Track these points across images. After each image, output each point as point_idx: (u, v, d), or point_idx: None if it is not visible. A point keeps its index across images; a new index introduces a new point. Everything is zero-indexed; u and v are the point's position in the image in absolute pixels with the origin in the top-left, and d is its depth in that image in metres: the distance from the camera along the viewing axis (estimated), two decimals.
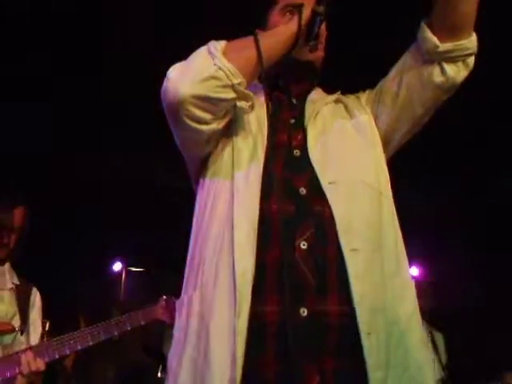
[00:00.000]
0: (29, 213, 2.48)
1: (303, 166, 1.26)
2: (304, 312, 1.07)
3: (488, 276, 4.78)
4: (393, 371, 1.06)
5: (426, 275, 4.87)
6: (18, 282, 2.45)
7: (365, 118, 1.40)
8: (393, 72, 1.39)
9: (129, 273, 6.12)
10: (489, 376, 3.63)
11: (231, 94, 1.15)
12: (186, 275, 1.23)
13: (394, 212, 1.27)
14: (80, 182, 4.45)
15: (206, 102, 1.13)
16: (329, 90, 1.52)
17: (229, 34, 1.27)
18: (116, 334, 2.36)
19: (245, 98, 1.20)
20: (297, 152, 1.29)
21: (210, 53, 1.15)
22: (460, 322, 4.38)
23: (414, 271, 4.84)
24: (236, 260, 1.08)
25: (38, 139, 4.07)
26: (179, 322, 1.16)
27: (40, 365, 2.11)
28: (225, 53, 1.15)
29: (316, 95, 1.46)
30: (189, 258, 1.25)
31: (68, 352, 2.24)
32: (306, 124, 1.34)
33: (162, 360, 3.97)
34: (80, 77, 3.66)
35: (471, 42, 1.27)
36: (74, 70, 3.64)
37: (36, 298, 2.49)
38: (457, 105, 1.49)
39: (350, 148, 1.32)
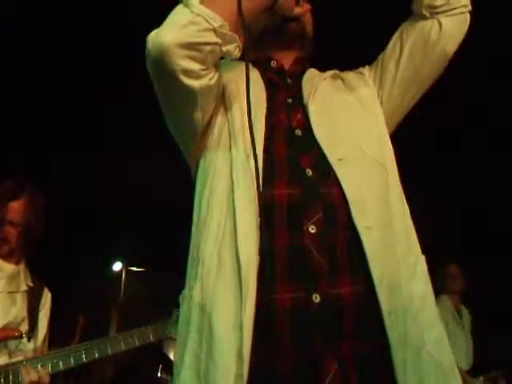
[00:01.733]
0: (35, 207, 2.34)
1: (308, 146, 1.21)
2: (317, 298, 1.03)
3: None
4: (410, 349, 1.05)
5: None
6: (31, 284, 2.35)
7: (366, 91, 1.38)
8: (392, 40, 1.38)
9: (129, 273, 6.15)
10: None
11: (214, 38, 1.12)
12: (188, 268, 1.20)
13: (400, 186, 1.25)
14: (80, 182, 4.44)
15: (190, 48, 1.10)
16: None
17: None
18: (124, 349, 2.24)
19: (230, 40, 1.15)
20: (298, 132, 1.24)
21: (186, 5, 1.13)
22: None
23: None
24: (240, 247, 1.05)
25: (37, 138, 4.07)
26: (182, 317, 1.12)
27: (44, 376, 2.03)
28: (202, 1, 1.12)
29: (312, 73, 1.43)
30: (190, 248, 1.22)
31: (73, 363, 2.14)
32: (305, 102, 1.30)
33: (161, 359, 3.97)
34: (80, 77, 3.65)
35: None
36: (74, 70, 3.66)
37: (46, 299, 2.39)
38: None
39: (354, 122, 1.29)
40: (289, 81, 1.37)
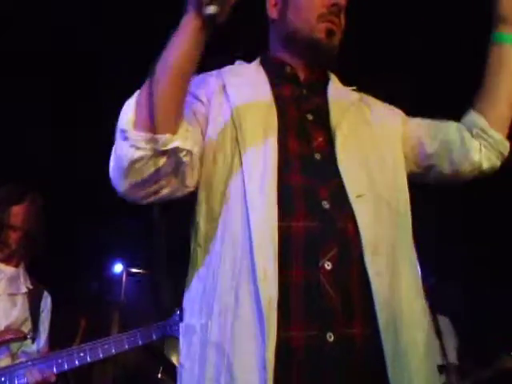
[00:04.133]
0: (36, 211, 2.41)
1: (327, 174, 1.17)
2: (331, 337, 1.03)
3: None
4: None
5: None
6: (31, 287, 2.41)
7: (393, 133, 1.34)
8: (438, 128, 1.36)
9: (130, 274, 6.15)
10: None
11: (161, 160, 1.05)
12: (190, 295, 1.15)
13: (411, 233, 1.23)
14: (80, 182, 4.42)
15: (145, 183, 1.07)
16: (343, 80, 1.43)
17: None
18: (127, 348, 2.29)
19: (177, 151, 1.08)
20: (318, 155, 1.19)
21: (121, 131, 1.05)
22: None
23: None
24: (260, 287, 1.01)
25: (37, 139, 4.03)
26: (189, 351, 1.08)
27: (49, 376, 2.08)
28: (136, 123, 1.03)
29: (336, 89, 1.35)
30: (195, 277, 1.16)
31: (77, 363, 2.19)
32: (333, 124, 1.23)
33: (162, 361, 3.93)
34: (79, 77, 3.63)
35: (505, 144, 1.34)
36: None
37: (47, 302, 2.45)
38: None
39: (376, 159, 1.24)
40: (304, 92, 1.31)
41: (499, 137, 1.31)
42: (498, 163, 1.34)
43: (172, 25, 1.06)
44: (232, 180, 1.13)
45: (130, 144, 1.03)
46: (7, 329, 2.21)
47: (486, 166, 1.32)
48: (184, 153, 1.08)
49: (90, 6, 3.30)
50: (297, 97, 1.29)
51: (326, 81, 1.37)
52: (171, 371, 3.87)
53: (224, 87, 1.24)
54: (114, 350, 2.25)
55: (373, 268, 1.07)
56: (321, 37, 1.28)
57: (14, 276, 2.36)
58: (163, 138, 1.03)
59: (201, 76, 1.29)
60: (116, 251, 5.79)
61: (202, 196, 1.19)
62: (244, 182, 1.10)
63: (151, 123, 1.01)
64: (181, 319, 1.20)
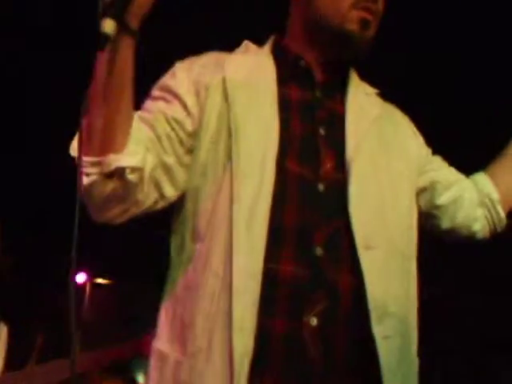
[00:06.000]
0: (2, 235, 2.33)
1: (328, 211, 1.05)
2: None
3: None
4: None
5: None
6: None
7: (413, 160, 1.23)
8: (448, 181, 1.29)
9: (94, 286, 6.00)
10: None
11: (110, 184, 0.99)
12: (166, 316, 1.09)
13: (416, 276, 1.15)
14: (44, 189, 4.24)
15: (107, 205, 1.02)
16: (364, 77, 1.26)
17: None
18: (96, 367, 2.33)
19: (123, 171, 1.00)
20: (321, 187, 1.06)
21: (72, 158, 0.98)
22: None
23: None
24: (234, 339, 0.96)
25: None
26: (160, 380, 1.04)
27: None
28: (79, 151, 0.95)
29: (356, 96, 1.20)
30: (173, 300, 1.09)
31: None
32: (349, 149, 1.10)
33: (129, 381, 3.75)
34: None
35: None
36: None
37: (2, 333, 2.35)
38: None
39: (391, 198, 1.13)
40: (318, 94, 1.15)
41: (503, 215, 1.29)
42: (488, 236, 1.32)
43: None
44: (220, 201, 1.06)
45: (86, 173, 0.99)
46: None
47: (479, 236, 1.30)
48: (128, 171, 1.00)
49: None
50: (307, 102, 1.15)
51: (345, 82, 1.21)
52: None
53: (224, 82, 1.11)
54: (67, 375, 2.12)
55: (380, 332, 1.00)
56: (353, 28, 1.12)
57: None
58: (106, 159, 0.98)
59: (194, 63, 1.15)
60: (79, 260, 5.53)
61: (187, 208, 1.11)
62: (232, 210, 1.02)
63: (93, 145, 0.99)
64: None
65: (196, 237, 1.07)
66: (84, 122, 0.98)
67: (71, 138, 1.03)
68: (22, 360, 2.46)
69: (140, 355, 2.37)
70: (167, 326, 1.08)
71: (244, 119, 1.08)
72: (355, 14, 1.12)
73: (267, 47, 1.23)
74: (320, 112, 1.14)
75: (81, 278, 5.78)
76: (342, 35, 1.14)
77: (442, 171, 1.31)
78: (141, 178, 1.03)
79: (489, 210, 1.30)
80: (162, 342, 1.07)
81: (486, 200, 1.30)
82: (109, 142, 1.00)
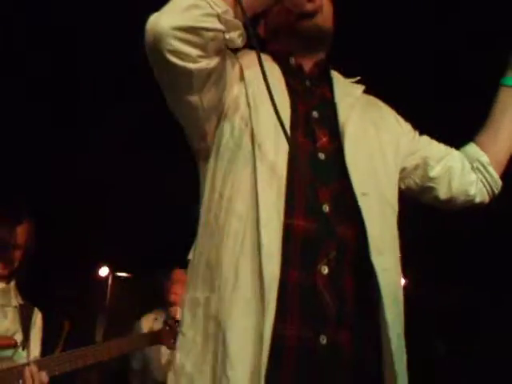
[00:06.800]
0: (33, 229, 2.47)
1: (330, 174, 1.16)
2: (323, 340, 1.04)
3: None
4: None
5: None
6: (21, 302, 2.45)
7: (395, 138, 1.34)
8: (438, 154, 1.39)
9: (115, 278, 6.08)
10: None
11: (217, 24, 1.06)
12: (194, 270, 1.16)
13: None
14: (65, 184, 4.36)
15: (189, 33, 1.04)
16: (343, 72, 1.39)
17: None
18: (118, 355, 2.33)
19: (233, 27, 1.10)
20: (321, 155, 1.18)
21: None
22: None
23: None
24: (264, 266, 1.02)
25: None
26: (193, 322, 1.09)
27: (43, 378, 2.08)
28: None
29: (339, 82, 1.34)
30: (197, 251, 1.16)
31: (68, 369, 2.20)
32: (340, 123, 1.22)
33: None
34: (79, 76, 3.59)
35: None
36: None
37: (37, 318, 2.48)
38: None
39: (381, 160, 1.25)
40: (307, 83, 1.29)
41: (496, 175, 1.37)
42: (487, 199, 1.40)
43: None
44: (239, 158, 1.15)
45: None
46: None
47: (478, 200, 1.38)
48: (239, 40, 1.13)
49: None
50: (302, 90, 1.28)
51: (329, 73, 1.36)
52: None
53: (242, 74, 1.24)
54: (105, 357, 2.27)
55: (380, 265, 1.08)
56: (295, 22, 1.28)
57: (5, 290, 2.42)
58: (229, 8, 1.09)
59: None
60: (102, 255, 5.71)
61: (210, 164, 1.20)
62: (255, 164, 1.11)
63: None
64: None
65: (216, 188, 1.16)
66: None
67: None
68: (50, 345, 2.55)
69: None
70: (195, 274, 1.14)
71: (260, 103, 1.17)
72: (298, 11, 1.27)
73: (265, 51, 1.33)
74: (312, 99, 1.26)
75: (104, 271, 6.03)
76: (293, 30, 1.29)
77: (431, 147, 1.39)
78: (238, 43, 1.14)
79: (481, 173, 1.36)
80: (193, 289, 1.13)
81: (477, 164, 1.36)
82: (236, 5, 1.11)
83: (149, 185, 4.46)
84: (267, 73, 1.14)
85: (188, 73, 1.09)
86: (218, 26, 1.07)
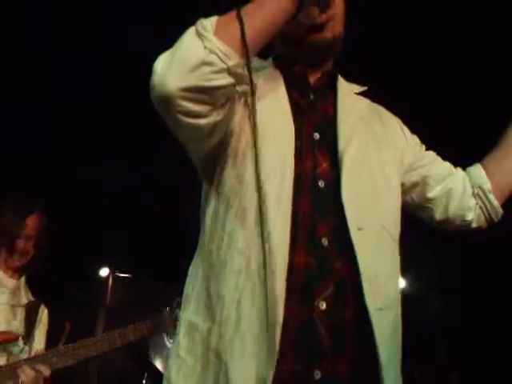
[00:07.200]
0: (44, 221, 2.46)
1: (328, 205, 1.12)
2: (318, 375, 1.03)
3: None
4: None
5: None
6: (31, 299, 2.44)
7: (401, 150, 1.29)
8: (440, 175, 1.34)
9: (116, 278, 6.13)
10: None
11: (227, 79, 1.00)
12: (195, 293, 1.13)
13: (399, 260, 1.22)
14: (66, 186, 4.40)
15: (199, 93, 0.99)
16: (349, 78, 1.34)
17: None
18: (119, 345, 2.33)
19: (243, 81, 1.04)
20: (321, 183, 1.13)
21: (198, 34, 0.99)
22: None
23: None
24: (270, 311, 1.01)
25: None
26: (192, 348, 1.09)
27: (44, 371, 2.10)
28: (216, 31, 0.99)
29: (344, 95, 1.27)
30: (200, 274, 1.14)
31: (70, 362, 2.22)
32: (340, 147, 1.16)
33: (147, 366, 3.93)
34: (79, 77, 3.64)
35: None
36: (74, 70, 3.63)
37: (43, 315, 2.47)
38: None
39: (383, 185, 1.20)
40: (311, 97, 1.24)
41: (496, 203, 1.32)
42: (485, 226, 1.36)
43: None
44: (243, 186, 1.11)
45: (205, 45, 0.97)
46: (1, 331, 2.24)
47: (474, 225, 1.35)
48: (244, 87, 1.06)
49: None
50: (305, 105, 1.23)
51: (334, 85, 1.29)
52: (155, 377, 3.94)
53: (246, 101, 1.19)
54: (106, 348, 2.28)
55: (373, 305, 1.06)
56: (304, 35, 1.21)
57: (16, 289, 2.40)
58: (240, 60, 1.00)
59: None
60: (102, 255, 5.76)
61: (212, 190, 1.17)
62: (259, 197, 1.07)
63: (233, 42, 0.99)
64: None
65: (219, 216, 1.12)
66: (231, 20, 1.01)
67: None
68: (51, 345, 2.50)
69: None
70: (194, 299, 1.12)
71: (265, 122, 1.12)
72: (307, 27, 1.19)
73: (270, 60, 1.31)
74: (314, 116, 1.20)
75: (104, 271, 6.10)
76: (299, 43, 1.22)
77: (434, 165, 1.34)
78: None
79: (481, 200, 1.31)
80: (190, 312, 1.11)
81: (478, 190, 1.31)
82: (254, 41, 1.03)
83: (150, 186, 4.51)
84: (269, 83, 1.14)
85: (199, 126, 1.06)
86: (229, 81, 1.00)
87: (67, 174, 4.44)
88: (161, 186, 4.31)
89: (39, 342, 2.39)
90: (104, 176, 4.40)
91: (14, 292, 2.37)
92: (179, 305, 1.18)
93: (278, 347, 0.98)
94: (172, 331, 2.50)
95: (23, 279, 2.45)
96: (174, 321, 2.48)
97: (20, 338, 2.26)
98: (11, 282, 2.38)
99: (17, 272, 2.41)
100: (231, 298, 1.04)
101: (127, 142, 4.05)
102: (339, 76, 1.31)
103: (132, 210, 4.80)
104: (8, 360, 2.21)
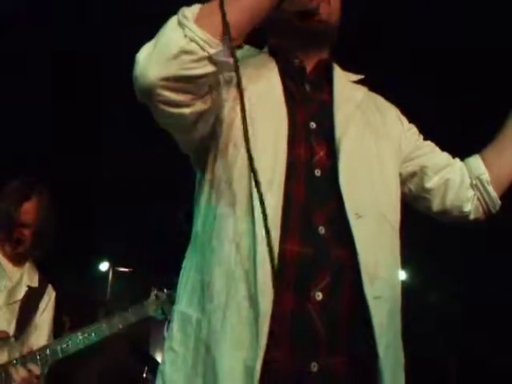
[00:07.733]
0: (45, 205, 2.38)
1: (325, 193, 1.10)
2: (315, 367, 1.01)
3: None
4: None
5: None
6: (35, 285, 2.38)
7: (398, 139, 1.28)
8: (438, 165, 1.33)
9: (116, 273, 6.15)
10: None
11: (208, 68, 0.98)
12: (188, 285, 1.12)
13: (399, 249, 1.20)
14: (67, 182, 4.40)
15: (180, 81, 0.97)
16: (345, 66, 1.31)
17: None
18: (108, 334, 2.32)
19: (227, 68, 1.02)
20: (318, 171, 1.12)
21: (179, 23, 0.97)
22: None
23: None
24: (260, 300, 0.99)
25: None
26: (184, 339, 1.07)
27: (34, 370, 2.09)
28: (198, 19, 0.97)
29: (341, 84, 1.25)
30: (193, 266, 1.13)
31: (61, 355, 2.21)
32: (337, 136, 1.15)
33: (147, 360, 3.94)
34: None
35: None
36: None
37: (50, 301, 2.42)
38: None
39: (380, 173, 1.18)
40: (307, 88, 1.22)
41: (494, 195, 1.31)
42: (483, 217, 1.34)
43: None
44: (234, 174, 1.09)
45: (185, 34, 0.96)
46: None
47: (472, 217, 1.33)
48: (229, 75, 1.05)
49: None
50: (301, 96, 1.20)
51: (330, 74, 1.27)
52: (156, 370, 3.92)
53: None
54: (95, 338, 2.28)
55: (370, 293, 1.04)
56: (299, 21, 1.20)
57: (18, 279, 2.34)
58: (221, 47, 0.98)
59: None
60: (102, 249, 5.77)
61: (205, 178, 1.15)
62: (250, 185, 1.06)
63: (215, 29, 0.97)
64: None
65: (210, 206, 1.11)
66: (213, 8, 0.99)
67: None
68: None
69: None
70: (187, 290, 1.11)
71: (257, 111, 1.11)
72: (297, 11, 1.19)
73: (266, 50, 1.29)
74: (311, 106, 1.18)
75: (104, 266, 6.12)
76: (292, 30, 1.21)
77: (432, 155, 1.32)
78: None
79: (479, 191, 1.30)
80: (183, 304, 1.11)
81: (477, 181, 1.30)
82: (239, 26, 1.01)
83: (149, 181, 4.52)
84: (263, 72, 1.13)
85: (183, 116, 1.05)
86: (211, 69, 0.99)
87: (67, 168, 4.42)
88: (163, 180, 4.31)
89: (43, 327, 2.33)
90: (104, 170, 4.40)
91: (15, 286, 2.31)
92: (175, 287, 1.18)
93: (265, 337, 0.97)
94: (159, 316, 2.49)
95: (27, 265, 2.38)
96: (161, 306, 2.49)
97: (9, 336, 2.20)
98: (16, 273, 2.33)
99: (18, 260, 2.35)
100: (220, 287, 1.03)
101: (127, 137, 4.06)
102: (335, 65, 1.29)
103: (132, 203, 4.80)
104: (9, 357, 2.17)
